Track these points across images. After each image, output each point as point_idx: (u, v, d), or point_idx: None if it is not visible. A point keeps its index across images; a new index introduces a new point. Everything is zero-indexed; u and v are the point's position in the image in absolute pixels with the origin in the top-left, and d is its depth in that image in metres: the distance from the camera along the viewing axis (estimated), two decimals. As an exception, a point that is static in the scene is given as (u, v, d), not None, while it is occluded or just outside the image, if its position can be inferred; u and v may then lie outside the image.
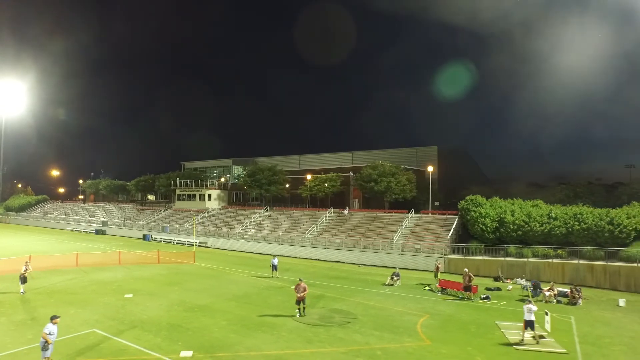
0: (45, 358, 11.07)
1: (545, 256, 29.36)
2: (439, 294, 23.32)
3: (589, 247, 28.90)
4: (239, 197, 65.38)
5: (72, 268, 27.94)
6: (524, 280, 26.19)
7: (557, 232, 30.25)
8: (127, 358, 12.60)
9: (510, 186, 60.08)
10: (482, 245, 31.49)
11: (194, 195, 62.01)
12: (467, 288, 22.09)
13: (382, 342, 14.79)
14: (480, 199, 35.19)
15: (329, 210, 46.39)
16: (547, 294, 22.15)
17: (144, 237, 51.06)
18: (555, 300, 21.96)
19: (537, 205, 33.21)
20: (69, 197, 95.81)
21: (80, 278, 24.83)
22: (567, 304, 21.62)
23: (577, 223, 29.88)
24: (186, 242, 46.23)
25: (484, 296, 22.26)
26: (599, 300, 23.12)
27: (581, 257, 28.39)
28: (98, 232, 56.93)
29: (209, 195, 60.61)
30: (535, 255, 29.58)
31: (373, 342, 14.77)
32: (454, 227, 35.58)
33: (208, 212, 56.84)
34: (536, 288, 22.98)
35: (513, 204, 33.75)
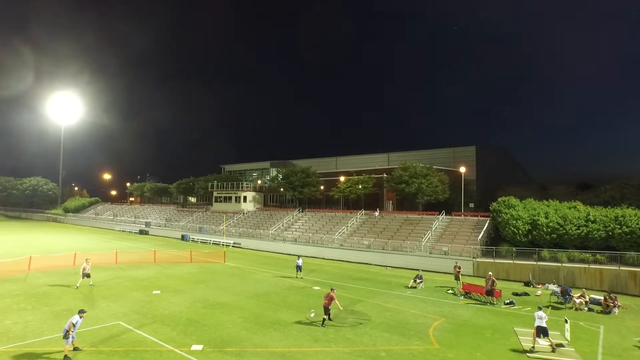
0: (67, 345, 12.16)
1: (582, 261, 27.72)
2: (462, 297, 22.77)
3: (632, 253, 27.00)
4: (275, 199, 66.82)
5: (112, 265, 29.95)
6: (555, 285, 24.94)
7: (596, 235, 28.50)
8: (142, 348, 13.52)
9: (554, 187, 57.16)
10: (514, 249, 30.27)
11: (230, 198, 64.04)
12: (490, 292, 21.45)
13: (389, 344, 14.80)
14: (513, 200, 33.79)
15: (360, 212, 46.37)
16: (578, 300, 21.01)
17: (183, 238, 53.55)
18: (586, 308, 20.78)
19: (574, 207, 31.39)
20: (120, 199, 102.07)
21: (116, 275, 26.60)
22: (600, 312, 20.40)
23: (618, 226, 27.99)
24: (221, 243, 47.94)
25: (508, 301, 21.48)
26: None
27: (623, 263, 26.60)
28: (141, 232, 60.39)
29: (245, 197, 62.33)
30: (570, 260, 28.03)
31: (380, 343, 14.81)
32: (484, 229, 34.43)
33: (243, 213, 58.56)
34: (565, 294, 21.81)
35: (548, 206, 32.11)
